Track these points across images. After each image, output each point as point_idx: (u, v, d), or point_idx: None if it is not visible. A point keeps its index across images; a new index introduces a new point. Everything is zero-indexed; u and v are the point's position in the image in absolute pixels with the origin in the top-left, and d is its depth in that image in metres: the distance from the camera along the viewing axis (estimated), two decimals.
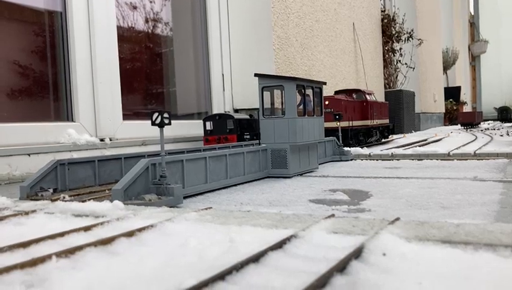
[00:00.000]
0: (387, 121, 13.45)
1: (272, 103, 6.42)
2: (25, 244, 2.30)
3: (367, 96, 11.72)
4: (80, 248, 2.19)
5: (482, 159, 7.07)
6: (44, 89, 7.33)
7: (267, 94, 6.18)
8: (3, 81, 6.77)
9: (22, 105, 7.03)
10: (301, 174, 6.07)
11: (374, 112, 11.90)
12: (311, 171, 6.37)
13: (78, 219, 3.02)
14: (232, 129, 8.44)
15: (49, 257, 2.03)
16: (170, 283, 1.65)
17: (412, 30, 21.28)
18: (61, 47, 7.46)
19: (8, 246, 2.23)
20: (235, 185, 5.22)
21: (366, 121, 11.35)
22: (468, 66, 49.55)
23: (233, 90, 10.96)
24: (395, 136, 15.82)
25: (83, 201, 3.58)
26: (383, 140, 13.07)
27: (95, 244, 2.26)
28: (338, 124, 8.25)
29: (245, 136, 8.58)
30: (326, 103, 6.73)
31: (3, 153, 6.22)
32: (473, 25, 51.93)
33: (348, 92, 11.72)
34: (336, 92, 11.69)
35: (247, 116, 9.20)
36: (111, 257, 2.15)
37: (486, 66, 53.04)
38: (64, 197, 4.06)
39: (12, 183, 6.09)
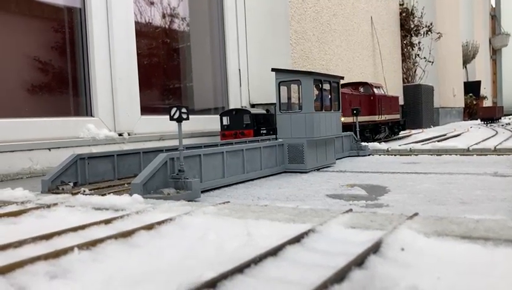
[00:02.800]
0: (397, 116, 12.74)
1: (289, 98, 6.41)
2: (47, 237, 2.36)
3: (374, 89, 11.10)
4: (100, 240, 2.23)
5: (502, 155, 6.95)
6: (64, 85, 7.44)
7: (284, 89, 6.17)
8: (24, 77, 6.90)
9: (42, 100, 7.16)
10: (318, 169, 6.05)
11: (383, 107, 11.25)
12: (329, 166, 6.35)
13: (98, 212, 3.07)
14: (249, 124, 8.46)
15: (71, 248, 2.08)
16: (190, 275, 1.67)
17: (431, 24, 20.96)
18: (80, 43, 7.56)
19: (31, 238, 2.28)
20: (252, 179, 5.23)
21: (373, 116, 10.70)
22: (488, 59, 48.59)
23: (249, 85, 10.97)
24: (413, 131, 15.65)
25: (103, 195, 3.64)
26: (396, 136, 12.49)
27: (116, 237, 2.30)
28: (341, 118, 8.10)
29: (261, 131, 8.58)
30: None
31: (25, 148, 6.35)
32: (494, 17, 50.87)
33: (354, 85, 11.13)
34: (342, 86, 11.19)
35: (264, 111, 9.20)
36: (131, 250, 2.19)
37: (507, 60, 51.92)
38: (84, 191, 4.13)
39: (33, 177, 6.22)
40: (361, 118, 9.56)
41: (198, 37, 10.39)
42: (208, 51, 10.61)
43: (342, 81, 11.58)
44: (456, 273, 1.66)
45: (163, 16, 9.60)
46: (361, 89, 11.06)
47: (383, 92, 11.73)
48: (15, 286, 1.72)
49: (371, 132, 10.58)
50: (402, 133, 13.56)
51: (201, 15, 10.54)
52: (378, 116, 11.00)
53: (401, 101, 19.09)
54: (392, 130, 12.21)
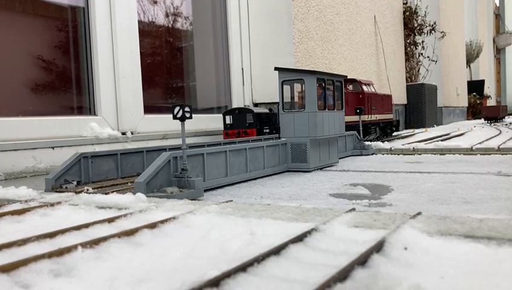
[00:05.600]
0: (390, 116, 11.92)
1: (292, 97, 6.40)
2: (51, 235, 2.37)
3: (363, 87, 10.33)
4: (104, 239, 2.24)
5: (506, 154, 6.93)
6: (68, 84, 7.46)
7: (287, 88, 6.17)
8: (28, 76, 6.92)
9: (45, 99, 7.17)
10: (321, 169, 6.05)
11: (373, 106, 10.45)
12: (332, 166, 6.35)
13: (101, 211, 3.09)
14: (252, 123, 8.46)
15: (75, 247, 2.09)
16: (193, 274, 1.67)
17: (435, 23, 20.90)
18: (84, 42, 7.57)
19: (35, 236, 2.29)
20: (255, 178, 5.24)
21: (362, 116, 9.48)
22: (492, 59, 48.40)
23: (252, 84, 10.97)
24: (416, 130, 15.61)
25: (106, 193, 3.65)
26: (389, 138, 11.57)
27: (119, 235, 2.30)
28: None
29: (264, 130, 8.58)
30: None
31: (29, 146, 6.37)
32: (498, 16, 50.66)
33: None
34: None
35: (267, 110, 9.20)
36: (134, 248, 2.19)
37: (511, 59, 51.75)
38: (88, 190, 4.14)
39: (37, 176, 6.24)
40: (348, 118, 8.90)
41: (201, 36, 10.39)
42: (211, 50, 10.61)
43: None
44: (459, 272, 1.66)
45: (167, 15, 9.61)
46: (350, 87, 10.45)
47: (373, 90, 11.02)
48: (19, 284, 1.73)
49: (359, 133, 9.48)
50: (405, 133, 13.43)
51: (204, 14, 10.54)
52: (368, 116, 10.17)
53: (404, 100, 19.07)
54: (384, 131, 11.40)
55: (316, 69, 10.07)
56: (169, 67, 9.65)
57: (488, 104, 34.29)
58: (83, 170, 4.74)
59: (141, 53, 8.26)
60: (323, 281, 1.54)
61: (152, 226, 2.49)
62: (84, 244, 2.13)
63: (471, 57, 35.76)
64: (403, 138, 12.31)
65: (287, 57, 10.50)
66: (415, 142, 10.00)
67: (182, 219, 2.64)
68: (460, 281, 1.59)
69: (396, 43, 18.63)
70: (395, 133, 12.50)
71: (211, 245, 2.15)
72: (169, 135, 8.43)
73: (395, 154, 7.85)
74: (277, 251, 1.93)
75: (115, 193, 3.66)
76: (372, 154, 7.91)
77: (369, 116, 10.26)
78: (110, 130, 7.49)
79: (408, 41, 20.34)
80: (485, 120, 24.19)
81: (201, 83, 10.37)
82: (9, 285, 1.72)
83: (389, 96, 12.35)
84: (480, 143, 8.52)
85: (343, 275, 1.63)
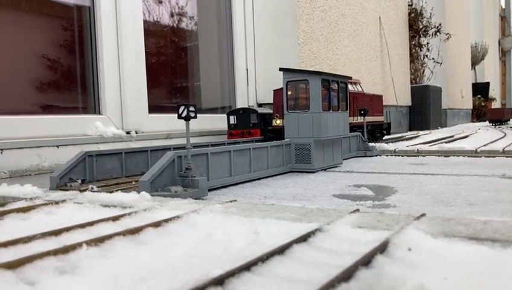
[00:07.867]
0: (381, 118, 11.05)
1: (297, 98, 6.40)
2: (56, 233, 2.38)
3: (349, 85, 9.17)
4: (108, 237, 2.25)
5: (510, 157, 6.90)
6: (73, 82, 7.49)
7: (291, 88, 6.17)
8: (34, 75, 6.95)
9: (50, 98, 7.20)
10: (325, 169, 6.05)
11: (359, 107, 9.54)
12: (335, 167, 6.34)
13: (106, 209, 3.10)
14: (256, 123, 8.47)
15: (79, 245, 2.10)
16: (197, 273, 1.68)
17: (440, 24, 20.85)
18: (89, 41, 7.60)
19: (40, 234, 2.31)
20: (259, 179, 5.24)
21: None
22: (497, 61, 48.22)
23: (257, 84, 10.98)
24: (421, 132, 15.57)
25: (111, 192, 3.66)
26: (379, 142, 10.32)
27: (123, 233, 2.31)
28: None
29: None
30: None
31: (33, 145, 6.40)
32: (504, 18, 50.48)
33: None
34: None
35: (271, 111, 9.20)
36: (139, 246, 2.20)
37: None
38: (92, 188, 4.15)
39: (41, 174, 6.27)
40: None
41: (206, 36, 10.41)
42: (216, 50, 10.62)
43: None
44: (463, 273, 1.66)
45: (172, 15, 9.63)
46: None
47: (360, 89, 10.27)
48: (24, 281, 1.74)
49: (363, 134, 8.86)
50: (409, 135, 13.36)
51: (209, 14, 10.56)
52: (353, 118, 9.30)
53: (408, 102, 19.03)
54: (372, 135, 10.47)
55: (321, 70, 10.01)
56: (173, 67, 9.67)
57: (493, 107, 34.19)
58: (88, 169, 4.76)
59: (146, 52, 8.28)
60: (327, 281, 1.54)
61: (156, 225, 2.49)
62: (89, 242, 2.14)
63: (476, 59, 35.66)
64: (407, 139, 12.28)
65: (291, 58, 10.50)
66: (419, 143, 9.98)
67: (186, 218, 2.65)
68: (463, 282, 1.58)
69: (401, 45, 18.59)
70: (385, 137, 11.73)
71: (214, 244, 2.16)
72: (174, 134, 8.45)
73: (399, 155, 7.84)
74: (281, 250, 1.93)
75: (119, 191, 3.68)
76: (376, 155, 7.89)
77: (355, 117, 9.45)
78: (115, 129, 7.51)
79: (413, 42, 20.31)
80: (489, 122, 24.12)
81: (206, 82, 10.39)
82: (14, 281, 1.73)
83: (379, 97, 11.61)
84: (484, 145, 8.48)
85: (347, 275, 1.63)
